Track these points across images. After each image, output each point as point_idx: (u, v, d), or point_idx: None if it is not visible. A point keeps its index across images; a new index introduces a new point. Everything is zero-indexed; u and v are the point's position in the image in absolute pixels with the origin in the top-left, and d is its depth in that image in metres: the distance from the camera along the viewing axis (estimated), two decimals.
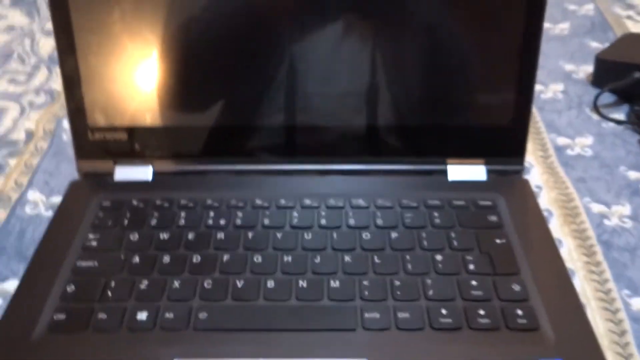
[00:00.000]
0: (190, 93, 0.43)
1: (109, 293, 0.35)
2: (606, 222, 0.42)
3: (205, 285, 0.35)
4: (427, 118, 0.43)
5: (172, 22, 0.41)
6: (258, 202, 0.41)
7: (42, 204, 0.43)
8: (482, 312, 0.34)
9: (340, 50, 0.42)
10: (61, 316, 0.34)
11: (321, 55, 0.42)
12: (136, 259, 0.37)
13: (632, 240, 0.40)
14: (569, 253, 0.39)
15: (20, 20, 0.66)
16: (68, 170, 0.46)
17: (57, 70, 0.57)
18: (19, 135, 0.49)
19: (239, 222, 0.40)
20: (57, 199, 0.43)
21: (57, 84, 0.55)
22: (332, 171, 0.44)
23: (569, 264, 0.39)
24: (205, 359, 0.31)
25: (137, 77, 0.42)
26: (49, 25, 0.65)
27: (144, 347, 0.32)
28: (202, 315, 0.34)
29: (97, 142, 0.43)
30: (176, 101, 0.43)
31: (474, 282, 0.35)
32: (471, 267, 0.36)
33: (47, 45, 0.61)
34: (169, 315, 0.34)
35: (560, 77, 0.58)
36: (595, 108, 0.53)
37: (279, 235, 0.39)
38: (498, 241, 0.38)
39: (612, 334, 0.34)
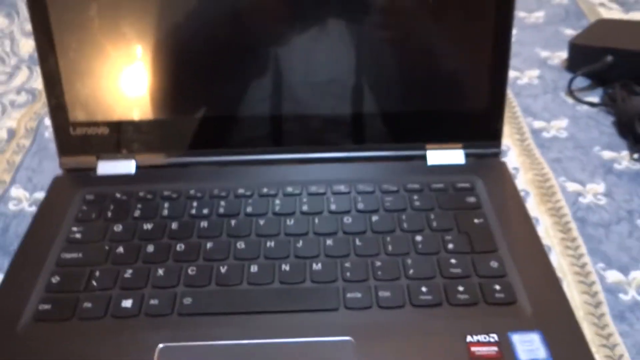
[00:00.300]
0: (171, 87, 0.44)
1: (94, 283, 0.35)
2: (581, 199, 0.43)
3: (189, 272, 0.36)
4: (406, 105, 0.44)
5: (151, 16, 0.41)
6: (241, 191, 0.42)
7: (25, 200, 0.43)
8: (461, 288, 0.34)
9: (320, 41, 0.42)
10: (46, 306, 0.34)
11: (301, 46, 0.42)
12: (120, 249, 0.37)
13: (606, 216, 0.41)
14: (546, 230, 0.40)
15: (0, 21, 0.66)
16: (51, 167, 0.46)
17: (37, 70, 0.57)
18: (1, 134, 0.49)
19: (222, 210, 0.40)
20: (40, 195, 0.43)
21: (37, 83, 0.55)
22: (313, 159, 0.44)
23: (545, 240, 0.39)
24: (190, 342, 0.32)
25: (116, 72, 0.42)
26: (29, 27, 0.65)
27: (129, 333, 0.33)
28: (187, 300, 0.34)
29: (79, 137, 0.43)
30: (157, 95, 0.43)
31: (453, 261, 0.36)
32: (450, 246, 0.37)
33: (27, 45, 0.61)
34: (153, 301, 0.34)
35: (536, 63, 0.59)
36: (570, 92, 0.54)
37: (261, 222, 0.39)
38: (476, 221, 0.39)
39: (587, 306, 0.35)
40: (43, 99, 0.53)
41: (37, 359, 0.31)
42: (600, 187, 0.44)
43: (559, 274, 0.36)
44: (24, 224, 0.41)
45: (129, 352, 0.31)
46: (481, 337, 0.32)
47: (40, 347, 0.32)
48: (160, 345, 0.32)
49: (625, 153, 0.47)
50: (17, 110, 0.51)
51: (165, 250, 0.37)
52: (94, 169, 0.43)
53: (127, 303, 0.34)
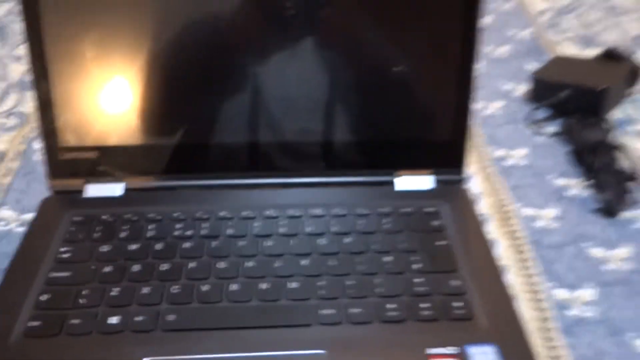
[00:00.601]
0: (157, 114, 0.46)
1: (81, 300, 0.37)
2: (536, 223, 0.46)
3: (173, 290, 0.38)
4: (376, 133, 0.47)
5: (141, 49, 0.44)
6: (222, 213, 0.44)
7: (13, 221, 0.45)
8: (424, 305, 0.37)
9: (295, 74, 0.46)
10: (36, 323, 0.36)
11: (278, 79, 0.45)
12: (107, 269, 0.40)
13: (558, 239, 0.45)
14: (504, 251, 0.44)
15: None
16: (39, 189, 0.48)
17: (27, 95, 0.59)
18: None
19: (204, 232, 0.43)
20: (28, 216, 0.45)
21: (27, 107, 0.58)
22: (291, 184, 0.47)
23: (503, 261, 0.43)
24: (173, 356, 0.34)
25: (106, 99, 0.45)
26: (18, 51, 0.68)
27: (115, 348, 0.35)
28: (170, 317, 0.36)
29: (68, 161, 0.45)
30: (143, 121, 0.46)
31: (417, 280, 0.39)
32: (415, 266, 0.40)
33: (17, 70, 0.63)
34: (138, 318, 0.36)
35: (500, 95, 0.63)
36: (531, 122, 0.58)
37: (241, 243, 0.42)
38: (439, 243, 0.42)
39: (538, 321, 0.39)
40: (32, 122, 0.55)
41: None
42: (553, 212, 0.47)
43: (514, 291, 0.39)
44: (13, 243, 0.42)
45: None
46: (441, 350, 0.35)
47: None
48: (145, 359, 0.34)
49: (576, 180, 0.51)
50: (7, 134, 0.53)
51: (150, 269, 0.40)
52: (81, 191, 0.45)
53: (114, 319, 0.36)
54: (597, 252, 0.44)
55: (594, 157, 0.50)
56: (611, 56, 0.63)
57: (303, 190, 0.47)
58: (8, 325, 0.36)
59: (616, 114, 0.59)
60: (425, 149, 0.48)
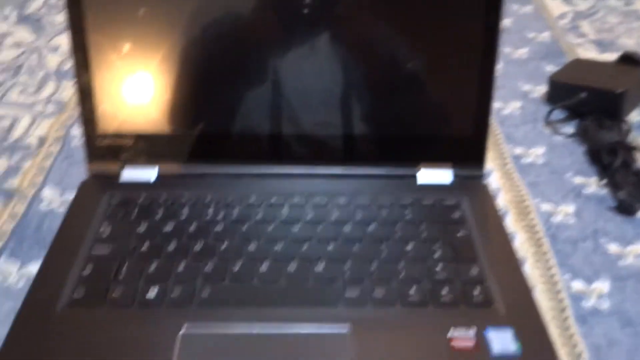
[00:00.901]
0: (189, 104, 0.48)
1: (122, 275, 0.40)
2: (553, 218, 0.48)
3: (207, 269, 0.40)
4: (400, 128, 0.49)
5: (173, 42, 0.46)
6: (251, 200, 0.47)
7: (55, 201, 0.48)
8: (445, 291, 0.39)
9: (320, 68, 0.48)
10: (80, 293, 0.38)
11: (303, 72, 0.47)
12: (145, 247, 0.42)
13: (574, 234, 0.47)
14: (521, 244, 0.46)
15: (27, 36, 0.71)
16: (78, 172, 0.50)
17: (64, 84, 0.62)
18: (32, 141, 0.53)
19: (234, 217, 0.45)
20: (68, 197, 0.48)
21: (64, 95, 0.60)
22: (316, 175, 0.49)
23: (520, 253, 0.45)
24: (208, 328, 0.36)
25: (142, 88, 0.47)
26: (54, 42, 0.70)
27: (154, 319, 0.37)
28: (205, 293, 0.39)
29: (105, 146, 0.48)
30: (178, 110, 0.48)
31: (438, 267, 0.41)
32: (437, 254, 0.42)
33: (53, 60, 0.66)
34: (175, 293, 0.39)
35: (519, 96, 0.65)
36: (548, 123, 0.60)
37: (270, 228, 0.44)
38: (460, 234, 0.44)
39: (554, 310, 0.40)
40: (70, 110, 0.58)
41: (72, 340, 0.36)
42: (571, 208, 0.49)
43: (531, 282, 0.41)
44: (56, 222, 0.45)
45: (155, 336, 0.36)
46: (461, 332, 0.37)
47: (75, 329, 0.36)
48: (182, 331, 0.36)
49: (593, 179, 0.52)
50: (46, 120, 0.56)
51: (184, 249, 0.42)
52: (118, 176, 0.48)
53: (152, 293, 0.39)
54: (613, 247, 0.45)
55: (611, 157, 0.51)
56: (629, 60, 0.64)
57: (328, 181, 0.49)
58: (54, 296, 0.38)
59: (633, 116, 0.61)
60: (446, 144, 0.50)
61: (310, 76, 0.48)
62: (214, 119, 0.49)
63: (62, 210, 0.47)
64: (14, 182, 0.49)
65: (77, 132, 0.55)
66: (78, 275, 0.40)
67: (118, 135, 0.48)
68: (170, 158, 0.49)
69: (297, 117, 0.49)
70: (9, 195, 0.48)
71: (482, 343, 0.36)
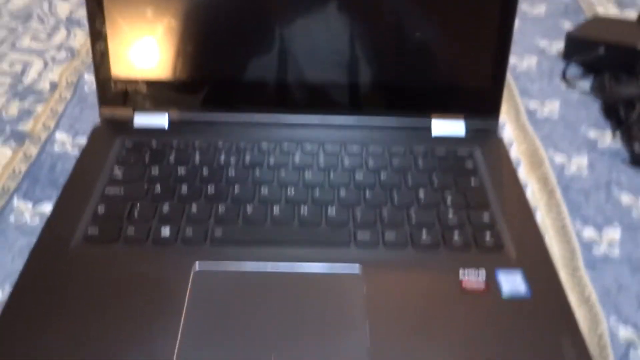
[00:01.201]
0: (204, 50, 0.48)
1: (135, 214, 0.40)
2: (566, 170, 0.48)
3: (219, 209, 0.41)
4: (415, 78, 0.49)
5: None
6: (264, 146, 0.47)
7: (68, 144, 0.48)
8: (456, 234, 0.40)
9: (336, 16, 0.47)
10: (94, 230, 0.39)
11: (319, 21, 0.47)
12: (158, 189, 0.42)
13: (587, 185, 0.46)
14: (533, 194, 0.46)
15: None
16: (90, 117, 0.51)
17: (74, 31, 0.62)
18: (44, 86, 0.53)
19: (247, 161, 0.45)
20: (81, 140, 0.48)
21: (75, 42, 0.60)
22: (329, 125, 0.49)
23: (532, 202, 0.45)
24: (221, 266, 0.37)
25: (156, 34, 0.46)
26: None
27: (168, 256, 0.38)
28: (218, 232, 0.39)
29: (118, 91, 0.48)
30: (191, 56, 0.48)
31: (450, 213, 0.41)
32: (449, 201, 0.42)
33: (64, 8, 0.65)
34: (188, 232, 0.39)
35: (535, 51, 0.64)
36: (564, 78, 0.59)
37: (282, 172, 0.44)
38: (472, 182, 0.44)
39: (565, 256, 0.40)
40: (82, 57, 0.58)
41: (86, 274, 0.36)
42: (584, 160, 0.49)
43: (542, 229, 0.41)
44: (69, 163, 0.45)
45: (169, 271, 0.36)
46: (472, 273, 0.37)
47: (89, 265, 0.37)
48: (196, 267, 0.37)
49: (608, 133, 0.52)
50: (58, 65, 0.56)
51: (197, 191, 0.42)
52: (130, 121, 0.48)
53: (166, 232, 0.39)
54: (625, 198, 0.45)
55: (627, 111, 0.51)
56: None
57: (341, 131, 0.49)
58: (68, 232, 0.39)
59: None
60: (461, 95, 0.49)
61: (323, 25, 0.47)
62: (225, 67, 0.48)
63: (74, 153, 0.47)
64: (27, 125, 0.49)
65: (89, 78, 0.55)
66: (92, 214, 0.40)
67: (130, 81, 0.48)
68: (182, 105, 0.48)
69: (310, 66, 0.48)
70: (22, 137, 0.48)
71: (492, 284, 0.36)
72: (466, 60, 0.48)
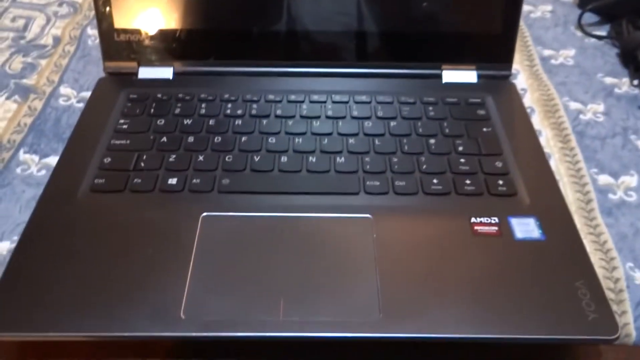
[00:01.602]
0: (208, 1, 0.47)
1: (142, 164, 0.40)
2: (582, 116, 0.46)
3: (227, 159, 0.40)
4: (425, 26, 0.47)
5: None
6: (271, 96, 0.46)
7: (73, 97, 0.47)
8: (468, 181, 0.39)
9: None
10: (101, 180, 0.38)
11: None
12: (164, 139, 0.42)
13: (603, 131, 0.45)
14: (547, 141, 0.44)
15: None
16: (94, 71, 0.50)
17: None
18: (47, 40, 0.52)
19: (254, 112, 0.44)
20: (86, 94, 0.47)
21: None
22: (338, 74, 0.48)
23: (546, 149, 0.43)
24: (229, 213, 0.37)
25: None
26: None
27: (175, 204, 0.37)
28: (225, 181, 0.39)
29: (122, 43, 0.47)
30: (194, 6, 0.47)
31: (462, 160, 0.40)
32: (460, 148, 0.41)
33: None
34: (196, 180, 0.39)
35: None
36: (580, 25, 0.57)
37: (290, 122, 0.43)
38: (485, 129, 0.43)
39: (580, 202, 0.40)
40: (84, 11, 0.56)
41: (95, 222, 0.36)
42: (600, 107, 0.47)
43: (557, 176, 0.40)
44: (74, 116, 0.45)
45: (177, 219, 0.36)
46: (484, 219, 0.36)
47: (97, 212, 0.36)
48: (204, 214, 0.36)
49: (626, 80, 0.50)
50: (61, 20, 0.55)
51: (204, 141, 0.42)
52: (135, 74, 0.47)
53: (173, 181, 0.38)
54: None
55: None
56: None
57: (349, 80, 0.48)
58: (75, 182, 0.38)
59: None
60: (473, 42, 0.48)
61: None
62: (230, 17, 0.47)
63: (79, 106, 0.46)
64: (31, 80, 0.48)
65: (93, 32, 0.54)
66: (99, 164, 0.40)
67: (134, 31, 0.46)
68: (187, 56, 0.47)
69: (317, 15, 0.47)
70: (27, 91, 0.47)
71: (505, 230, 0.36)
72: (477, 6, 0.47)
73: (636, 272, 0.35)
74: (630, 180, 0.41)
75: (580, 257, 0.34)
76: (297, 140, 0.42)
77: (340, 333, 0.31)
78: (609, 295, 0.34)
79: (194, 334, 0.31)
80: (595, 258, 0.36)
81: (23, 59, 0.50)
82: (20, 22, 0.54)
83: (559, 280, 0.33)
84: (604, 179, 0.41)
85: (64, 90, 0.48)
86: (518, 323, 0.31)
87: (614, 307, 0.34)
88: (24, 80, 0.48)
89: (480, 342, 0.31)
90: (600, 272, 0.35)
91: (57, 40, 0.52)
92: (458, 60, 0.48)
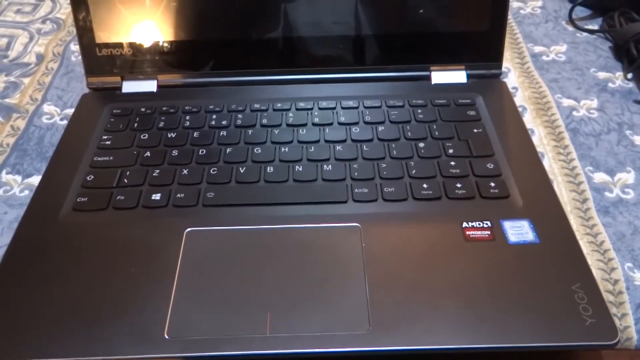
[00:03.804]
0: (189, 11, 0.46)
1: (125, 180, 0.39)
2: (575, 113, 0.45)
3: (211, 172, 0.39)
4: (412, 27, 0.46)
5: None
6: (256, 105, 0.45)
7: (56, 115, 0.46)
8: (459, 185, 0.38)
9: None
10: (84, 199, 0.38)
11: None
12: (147, 154, 0.41)
13: (597, 127, 0.44)
14: (540, 139, 0.43)
15: None
16: (78, 87, 0.49)
17: (59, 2, 0.60)
18: (31, 58, 0.52)
19: (239, 122, 0.43)
20: (70, 111, 0.46)
21: (61, 13, 0.58)
22: (323, 80, 0.47)
23: (539, 148, 0.42)
24: (214, 227, 0.36)
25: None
26: None
27: (159, 220, 0.36)
28: (210, 194, 0.38)
29: (104, 58, 0.46)
30: (176, 18, 0.46)
31: (452, 163, 0.39)
32: (450, 151, 0.40)
33: None
34: (180, 195, 0.38)
35: None
36: (571, 20, 0.56)
37: (276, 131, 0.42)
38: (475, 130, 0.42)
39: (575, 202, 0.38)
40: (67, 27, 0.56)
41: (77, 242, 0.35)
42: (594, 102, 0.46)
43: (550, 175, 0.39)
44: (58, 135, 0.44)
45: (161, 235, 0.35)
46: (476, 223, 0.35)
47: (80, 232, 0.36)
48: (188, 229, 0.35)
49: (619, 74, 0.49)
50: (44, 37, 0.54)
51: (188, 154, 0.41)
52: (119, 88, 0.46)
53: (157, 196, 0.38)
54: (639, 139, 0.43)
55: (638, 47, 0.48)
56: None
57: (336, 85, 0.47)
58: (58, 201, 0.38)
59: None
60: (461, 42, 0.47)
61: None
62: (211, 27, 0.46)
63: (63, 123, 0.46)
64: (14, 99, 0.48)
65: (76, 48, 0.53)
66: (81, 182, 0.39)
67: (116, 45, 0.46)
68: (171, 68, 0.47)
69: (300, 19, 0.46)
70: (10, 110, 0.47)
71: (497, 233, 0.34)
72: (464, 5, 0.46)
73: (635, 272, 0.34)
74: (627, 177, 0.40)
75: (576, 260, 0.33)
76: (283, 149, 0.41)
77: (329, 348, 0.30)
78: (608, 297, 0.33)
79: (178, 355, 0.30)
80: (592, 259, 0.35)
81: (6, 78, 0.49)
82: (3, 41, 0.53)
83: (555, 285, 0.32)
84: (600, 176, 0.40)
85: (48, 108, 0.47)
86: (513, 331, 0.30)
87: (614, 310, 0.32)
88: (7, 100, 0.47)
89: (474, 352, 0.30)
90: (598, 273, 0.34)
91: (40, 57, 0.52)
92: (447, 60, 0.47)
